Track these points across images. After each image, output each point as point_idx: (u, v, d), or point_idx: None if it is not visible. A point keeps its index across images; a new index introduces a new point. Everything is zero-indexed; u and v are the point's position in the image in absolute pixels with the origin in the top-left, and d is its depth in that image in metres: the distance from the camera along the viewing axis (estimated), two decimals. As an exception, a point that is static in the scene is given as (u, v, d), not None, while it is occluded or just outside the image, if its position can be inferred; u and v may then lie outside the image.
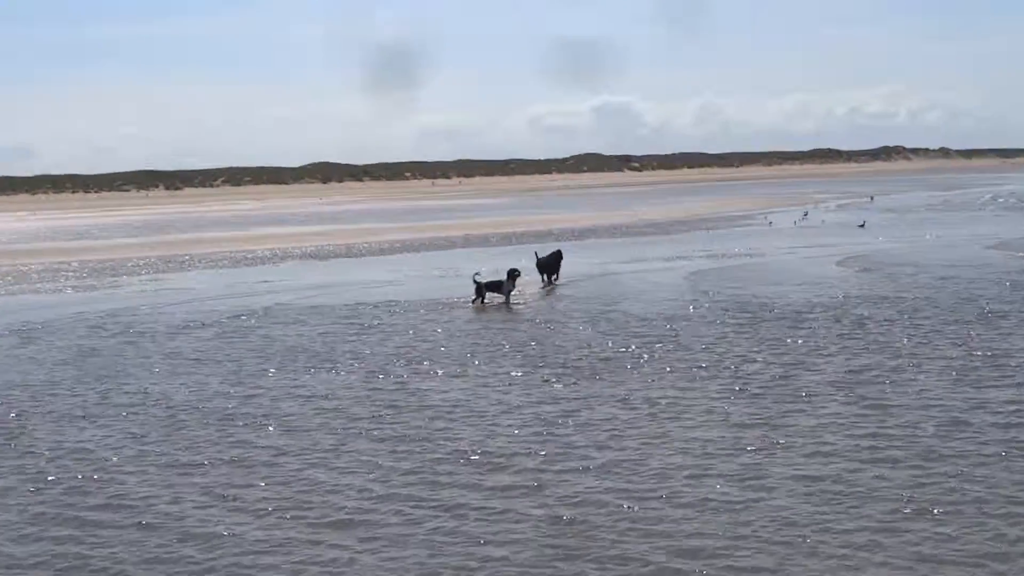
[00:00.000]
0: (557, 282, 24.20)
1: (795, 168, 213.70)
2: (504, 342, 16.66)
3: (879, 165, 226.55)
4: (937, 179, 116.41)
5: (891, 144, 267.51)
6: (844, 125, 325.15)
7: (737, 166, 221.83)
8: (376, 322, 19.30)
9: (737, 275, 25.02)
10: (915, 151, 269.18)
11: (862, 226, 40.71)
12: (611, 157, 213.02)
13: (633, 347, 15.49)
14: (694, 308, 19.16)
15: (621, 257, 31.16)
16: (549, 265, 24.35)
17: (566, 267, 25.66)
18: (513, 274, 21.86)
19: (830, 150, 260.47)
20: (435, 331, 18.00)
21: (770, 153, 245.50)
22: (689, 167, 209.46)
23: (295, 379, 14.28)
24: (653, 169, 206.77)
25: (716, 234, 40.11)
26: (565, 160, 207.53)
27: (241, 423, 11.89)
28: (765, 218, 50.08)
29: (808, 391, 12.26)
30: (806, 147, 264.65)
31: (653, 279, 24.77)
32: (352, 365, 15.17)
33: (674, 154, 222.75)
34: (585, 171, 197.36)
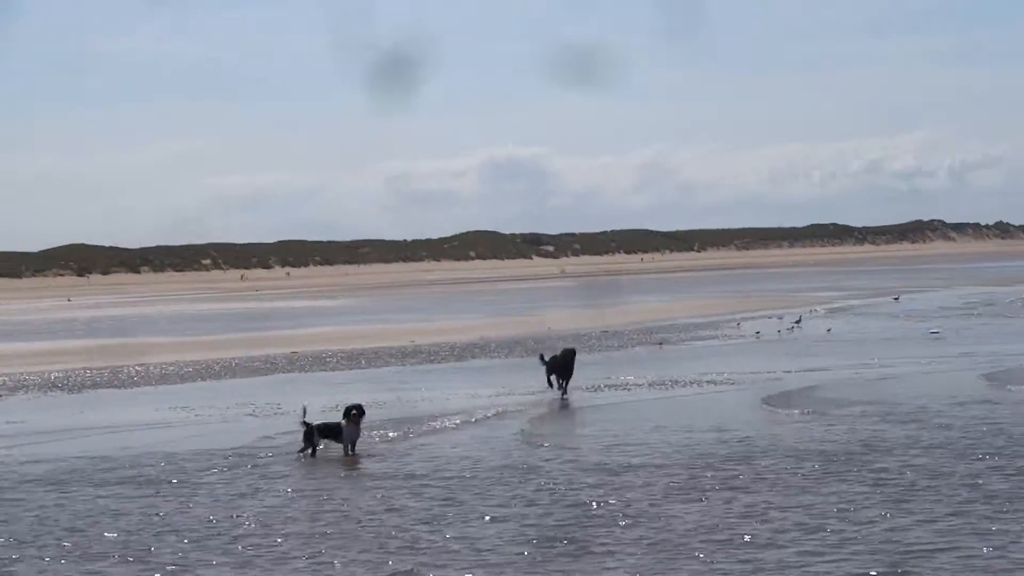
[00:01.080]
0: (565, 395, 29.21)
1: (780, 253, 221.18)
2: (340, 533, 16.07)
3: (907, 248, 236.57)
4: (990, 268, 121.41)
5: (924, 217, 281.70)
6: (858, 188, 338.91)
7: (698, 249, 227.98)
8: (137, 493, 18.91)
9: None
10: (960, 227, 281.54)
11: (935, 333, 43.94)
12: (512, 237, 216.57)
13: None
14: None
15: (521, 387, 31.63)
16: (563, 367, 29.36)
17: (418, 405, 26.24)
18: (352, 413, 21.87)
19: (835, 225, 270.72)
20: (232, 510, 17.34)
21: (746, 230, 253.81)
22: (627, 251, 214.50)
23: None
24: (574, 254, 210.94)
25: (671, 352, 41.16)
26: (444, 241, 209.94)
27: None
28: (738, 325, 51.66)
29: None
30: (799, 221, 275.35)
31: (563, 438, 25.09)
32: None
33: (605, 232, 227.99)
34: (473, 257, 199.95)
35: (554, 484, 18.39)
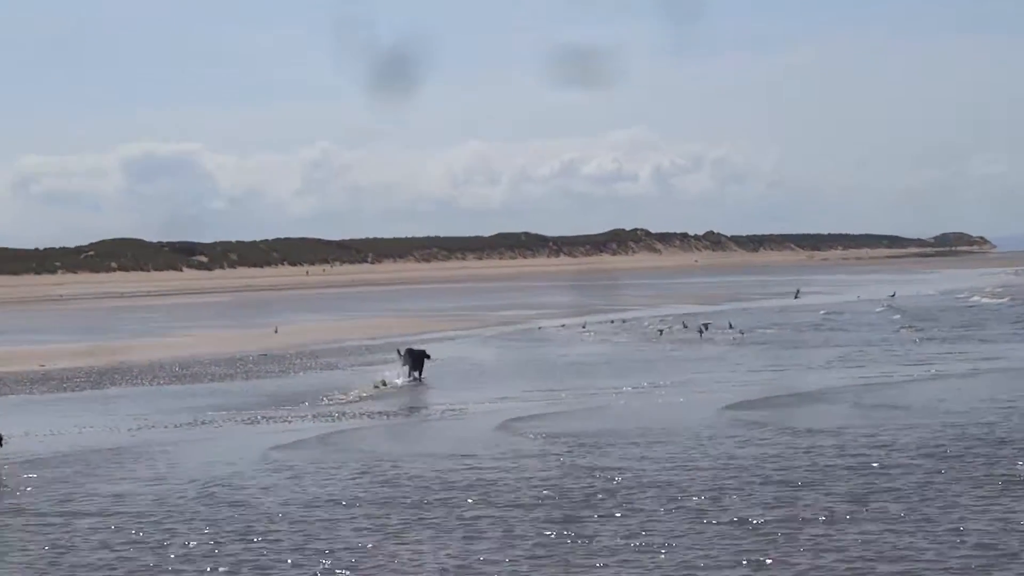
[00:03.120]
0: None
1: (464, 266, 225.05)
2: None
3: (607, 260, 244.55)
4: (699, 284, 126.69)
5: (626, 226, 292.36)
6: (551, 193, 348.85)
7: (373, 261, 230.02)
8: None
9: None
10: (666, 237, 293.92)
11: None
12: (159, 246, 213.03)
13: None
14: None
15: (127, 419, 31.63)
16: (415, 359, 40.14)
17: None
18: None
19: (527, 235, 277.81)
20: None
21: (427, 240, 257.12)
22: (291, 263, 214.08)
23: None
24: (230, 266, 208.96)
25: (341, 378, 41.57)
26: (80, 250, 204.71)
27: None
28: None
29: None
30: (487, 229, 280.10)
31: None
32: None
33: (267, 241, 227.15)
34: (115, 268, 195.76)
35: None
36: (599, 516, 19.06)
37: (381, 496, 21.01)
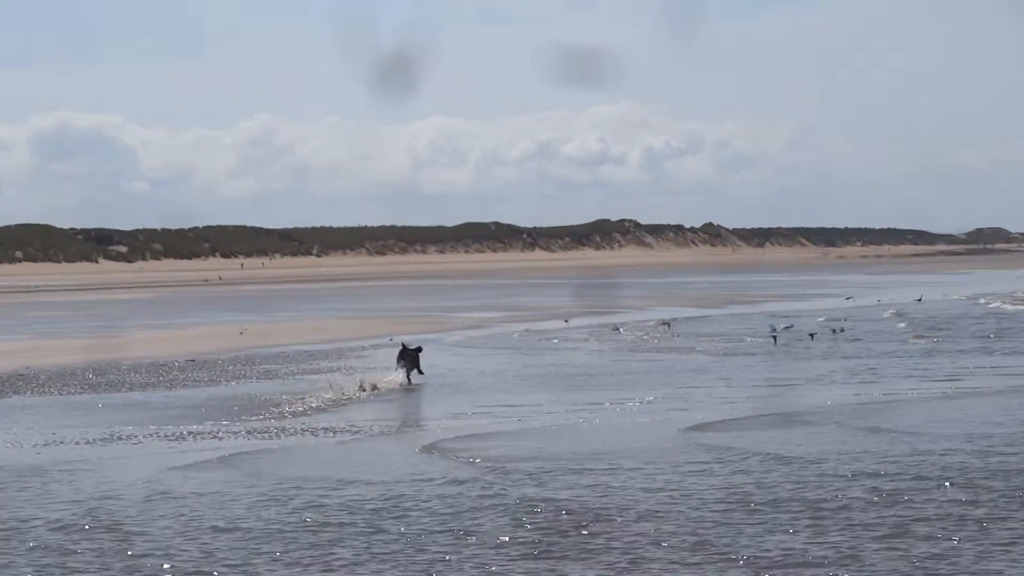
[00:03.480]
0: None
1: (425, 260, 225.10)
2: None
3: (589, 255, 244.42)
4: (695, 284, 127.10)
5: (612, 216, 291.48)
6: (526, 177, 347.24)
7: (318, 253, 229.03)
8: None
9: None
10: (658, 229, 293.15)
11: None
12: (71, 233, 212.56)
13: None
14: None
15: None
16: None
17: None
18: None
19: (497, 225, 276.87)
20: None
21: (382, 230, 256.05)
22: (224, 255, 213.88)
23: None
24: (154, 257, 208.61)
25: (279, 388, 41.66)
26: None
27: None
28: (368, 354, 52.78)
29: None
30: (451, 218, 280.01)
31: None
32: None
33: (196, 229, 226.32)
34: (21, 259, 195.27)
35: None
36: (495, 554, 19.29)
37: (268, 525, 21.31)
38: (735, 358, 49.84)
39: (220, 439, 31.01)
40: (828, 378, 42.68)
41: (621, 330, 64.19)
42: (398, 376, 42.49)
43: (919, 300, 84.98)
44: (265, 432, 31.90)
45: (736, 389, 39.85)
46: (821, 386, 40.30)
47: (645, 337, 60.13)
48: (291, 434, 31.80)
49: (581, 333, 63.40)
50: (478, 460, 27.10)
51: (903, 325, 64.46)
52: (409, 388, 41.69)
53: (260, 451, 29.15)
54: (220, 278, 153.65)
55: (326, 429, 32.51)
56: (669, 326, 64.18)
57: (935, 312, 75.01)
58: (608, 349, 55.62)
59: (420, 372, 43.12)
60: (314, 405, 36.88)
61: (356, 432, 32.31)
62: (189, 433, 31.92)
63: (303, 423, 33.57)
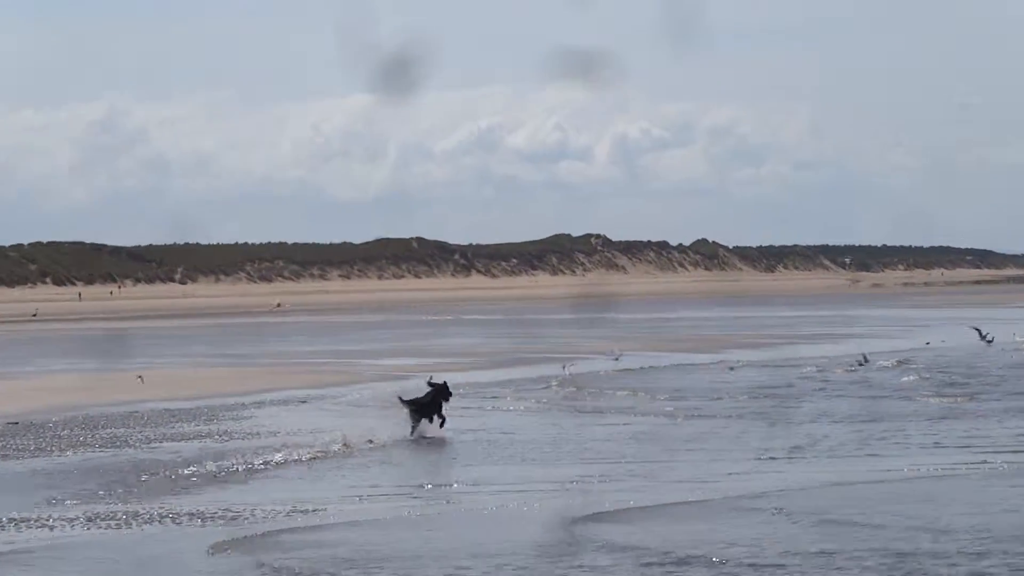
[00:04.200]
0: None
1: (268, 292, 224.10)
2: None
3: (525, 283, 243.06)
4: (684, 322, 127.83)
5: (574, 231, 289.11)
6: (454, 173, 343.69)
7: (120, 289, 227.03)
8: None
9: None
10: (634, 247, 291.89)
11: None
12: None
13: None
14: None
15: None
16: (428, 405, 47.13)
17: None
18: None
19: (420, 241, 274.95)
20: None
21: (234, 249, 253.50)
22: (59, 280, 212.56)
23: None
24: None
25: (125, 463, 42.54)
26: None
27: None
28: (250, 413, 53.39)
29: None
30: (357, 233, 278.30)
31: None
32: None
33: (54, 246, 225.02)
34: None
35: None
36: None
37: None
38: (701, 421, 50.88)
39: (52, 528, 31.89)
40: (809, 449, 43.52)
41: (563, 385, 64.78)
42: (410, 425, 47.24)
43: (987, 339, 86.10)
44: (111, 519, 32.84)
45: (678, 464, 40.58)
46: (788, 462, 41.02)
47: (600, 392, 61.39)
48: (145, 521, 32.68)
49: (524, 386, 64.02)
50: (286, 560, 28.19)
51: (912, 378, 65.44)
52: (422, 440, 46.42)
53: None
54: (35, 314, 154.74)
55: (192, 515, 33.37)
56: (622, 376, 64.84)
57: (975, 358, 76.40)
58: (546, 408, 56.86)
59: (441, 418, 47.40)
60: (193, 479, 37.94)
61: (233, 518, 33.23)
62: (10, 520, 32.62)
63: (161, 507, 34.38)
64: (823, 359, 78.36)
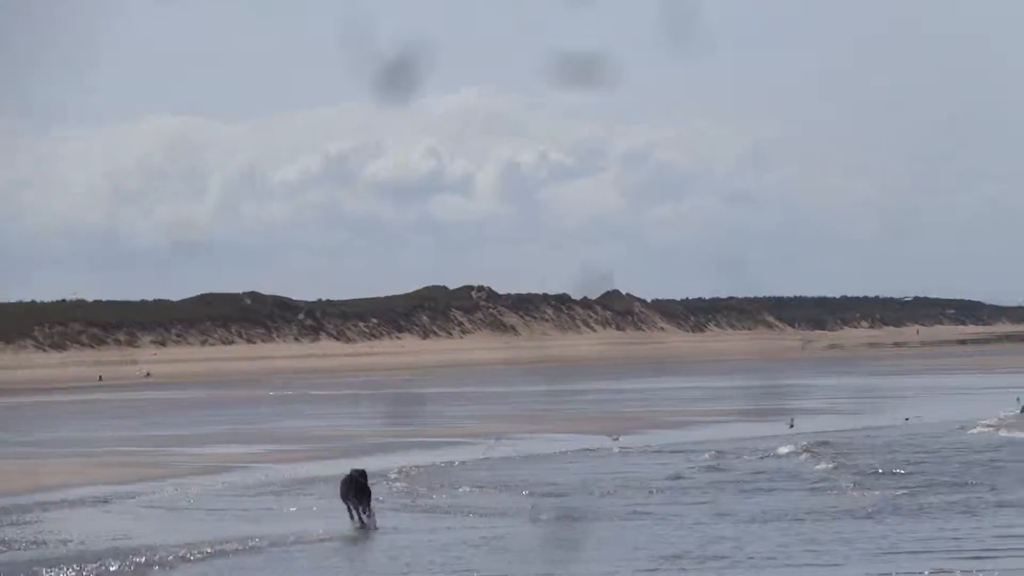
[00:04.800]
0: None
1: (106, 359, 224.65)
2: None
3: (383, 348, 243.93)
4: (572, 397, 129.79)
5: (426, 280, 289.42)
6: (297, 212, 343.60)
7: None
8: None
9: None
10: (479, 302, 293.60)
11: None
12: None
13: None
14: None
15: None
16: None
17: None
18: None
19: (276, 300, 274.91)
20: None
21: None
22: None
23: None
24: None
25: None
26: None
27: None
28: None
29: None
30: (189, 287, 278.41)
31: None
32: None
33: None
34: None
35: None
36: None
37: None
38: (568, 524, 52.25)
39: None
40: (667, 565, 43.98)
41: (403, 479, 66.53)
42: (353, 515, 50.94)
43: (906, 420, 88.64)
44: None
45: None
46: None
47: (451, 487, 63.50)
48: None
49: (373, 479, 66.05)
50: None
51: (829, 465, 66.30)
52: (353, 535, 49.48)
53: None
54: None
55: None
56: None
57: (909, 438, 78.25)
58: (392, 507, 57.64)
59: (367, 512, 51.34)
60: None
61: None
62: None
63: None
64: (741, 440, 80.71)
